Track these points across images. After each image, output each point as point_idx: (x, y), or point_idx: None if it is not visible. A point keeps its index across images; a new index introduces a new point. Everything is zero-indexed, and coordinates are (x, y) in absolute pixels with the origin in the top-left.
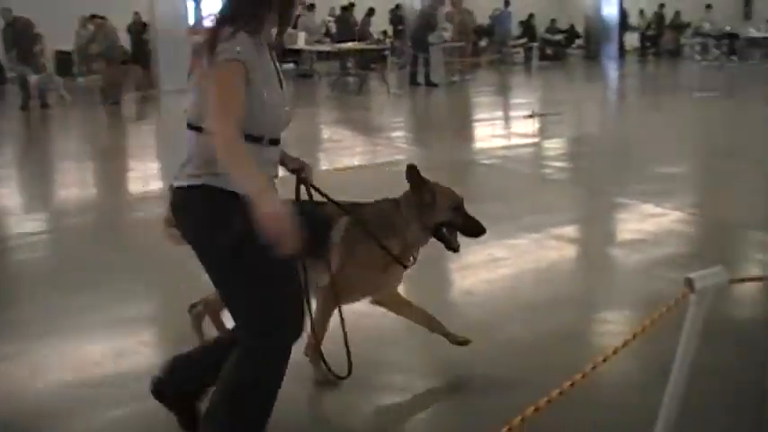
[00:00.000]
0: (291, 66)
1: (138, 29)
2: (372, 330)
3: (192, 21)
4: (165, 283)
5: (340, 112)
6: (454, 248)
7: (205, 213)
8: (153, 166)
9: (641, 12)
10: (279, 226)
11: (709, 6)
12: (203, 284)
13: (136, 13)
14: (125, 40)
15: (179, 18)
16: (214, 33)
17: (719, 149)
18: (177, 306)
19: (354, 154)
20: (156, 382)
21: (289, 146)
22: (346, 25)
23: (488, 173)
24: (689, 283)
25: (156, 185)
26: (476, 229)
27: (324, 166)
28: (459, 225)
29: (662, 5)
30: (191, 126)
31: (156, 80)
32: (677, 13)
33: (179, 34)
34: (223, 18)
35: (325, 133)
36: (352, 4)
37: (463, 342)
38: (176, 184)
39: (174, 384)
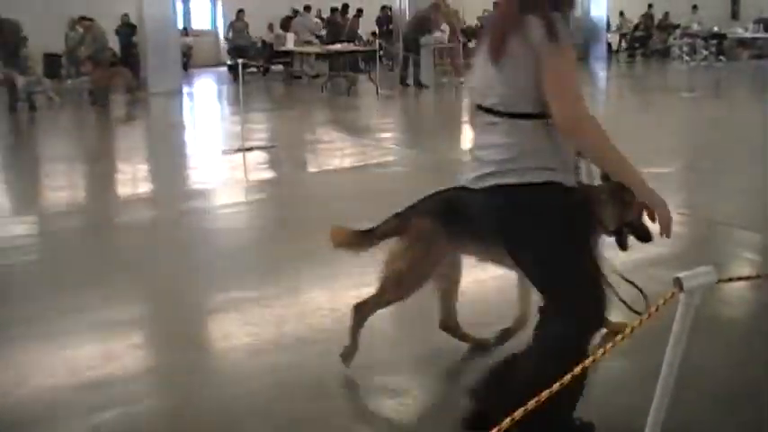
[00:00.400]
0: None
1: (127, 31)
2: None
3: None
4: (154, 286)
5: (330, 114)
6: (625, 248)
7: (554, 213)
8: (142, 169)
9: (621, 13)
10: (667, 215)
11: (695, 7)
12: (193, 286)
13: (124, 15)
14: (114, 43)
15: (168, 20)
16: (549, 15)
17: (708, 149)
18: (167, 308)
19: (344, 155)
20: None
21: (281, 148)
22: (335, 27)
23: None
24: (678, 282)
25: (145, 188)
26: (646, 236)
27: (313, 167)
28: (636, 228)
29: (650, 6)
30: (505, 113)
31: (144, 82)
32: (666, 14)
33: (168, 36)
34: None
35: (316, 135)
36: (345, 6)
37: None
38: (504, 181)
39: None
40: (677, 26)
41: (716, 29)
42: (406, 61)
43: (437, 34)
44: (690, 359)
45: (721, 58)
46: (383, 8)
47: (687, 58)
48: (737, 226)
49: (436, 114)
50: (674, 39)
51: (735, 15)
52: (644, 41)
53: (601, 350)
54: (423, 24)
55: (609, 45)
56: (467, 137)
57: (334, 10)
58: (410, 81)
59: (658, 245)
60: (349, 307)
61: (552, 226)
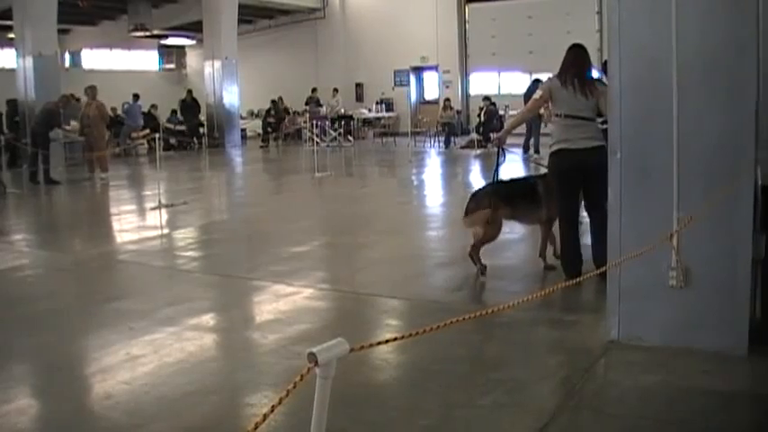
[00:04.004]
0: None
1: None
2: None
3: None
4: None
5: None
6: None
7: (606, 155)
8: None
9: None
10: None
11: (314, 90)
12: None
13: None
14: None
15: None
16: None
17: (343, 225)
18: None
19: None
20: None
21: None
22: None
23: (120, 269)
24: (312, 357)
25: None
26: None
27: None
28: None
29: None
30: (588, 119)
31: None
32: (280, 98)
33: None
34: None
35: None
36: None
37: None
38: (591, 144)
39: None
40: (305, 111)
41: (342, 111)
42: (35, 157)
43: (68, 128)
44: (340, 424)
45: (349, 138)
46: (9, 101)
47: (318, 140)
48: (378, 294)
49: (72, 211)
50: (304, 122)
51: (359, 98)
52: (275, 126)
53: None
54: (51, 118)
55: (243, 131)
56: (102, 234)
57: None
58: (41, 178)
59: (304, 322)
60: None
61: (605, 161)
